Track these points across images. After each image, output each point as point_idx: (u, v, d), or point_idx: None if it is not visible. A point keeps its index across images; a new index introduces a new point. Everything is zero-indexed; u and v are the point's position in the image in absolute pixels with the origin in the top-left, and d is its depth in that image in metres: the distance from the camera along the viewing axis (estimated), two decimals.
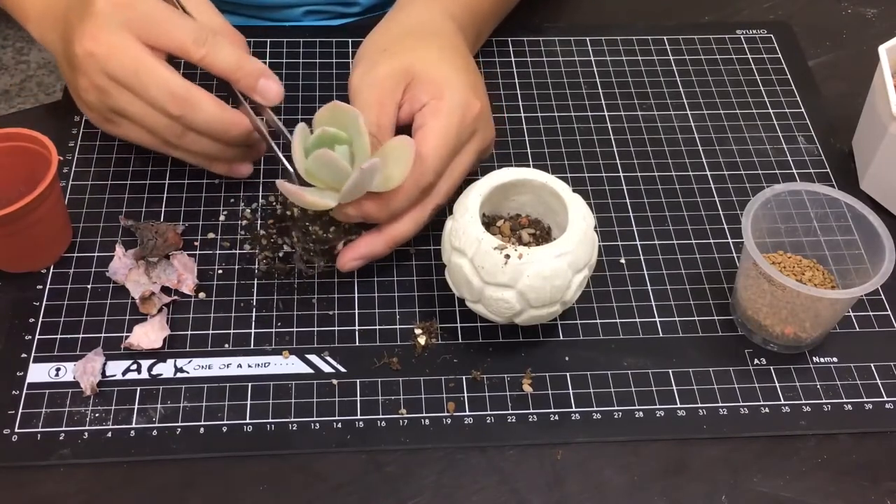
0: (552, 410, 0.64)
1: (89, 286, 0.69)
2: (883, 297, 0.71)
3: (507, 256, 0.62)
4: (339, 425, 0.63)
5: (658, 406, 0.65)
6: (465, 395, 0.65)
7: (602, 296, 0.71)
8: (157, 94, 0.66)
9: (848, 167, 0.80)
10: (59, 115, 0.80)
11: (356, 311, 0.69)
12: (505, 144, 0.80)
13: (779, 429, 0.64)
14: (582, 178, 0.78)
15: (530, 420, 0.64)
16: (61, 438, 0.62)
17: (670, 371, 0.67)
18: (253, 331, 0.67)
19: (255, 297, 0.69)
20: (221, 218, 0.74)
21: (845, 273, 0.68)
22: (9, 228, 0.66)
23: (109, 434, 0.62)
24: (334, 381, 0.65)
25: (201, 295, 0.69)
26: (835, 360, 0.68)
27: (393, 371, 0.66)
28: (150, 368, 0.65)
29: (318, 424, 0.63)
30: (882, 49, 0.75)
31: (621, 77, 0.87)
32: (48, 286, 0.69)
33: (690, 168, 0.80)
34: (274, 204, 0.70)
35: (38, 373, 0.64)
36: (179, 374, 0.65)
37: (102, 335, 0.67)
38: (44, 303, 0.68)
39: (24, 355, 0.65)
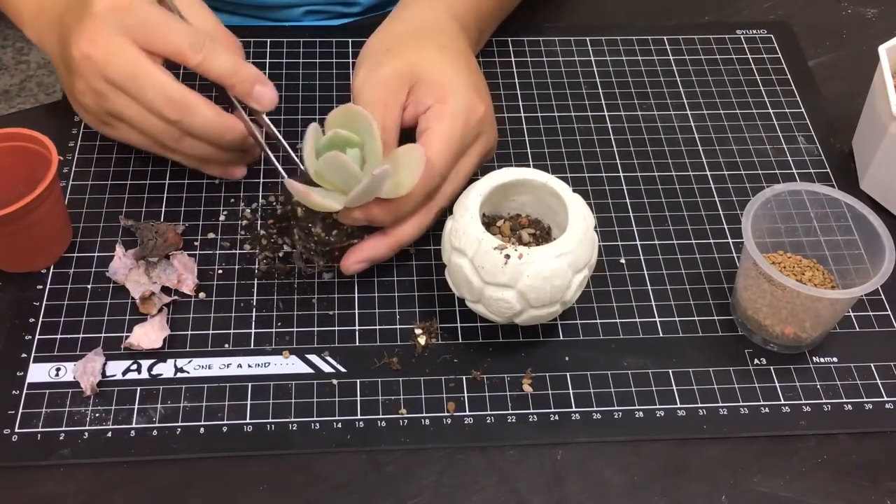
0: (552, 410, 0.64)
1: (89, 286, 0.69)
2: (883, 297, 0.71)
3: (507, 256, 0.62)
4: (339, 425, 0.63)
5: (658, 406, 0.65)
6: (465, 395, 0.65)
7: (602, 296, 0.71)
8: (153, 99, 0.66)
9: (848, 167, 0.80)
10: (59, 115, 0.80)
11: (356, 311, 0.69)
12: (505, 144, 0.80)
13: (779, 429, 0.64)
14: (582, 178, 0.78)
15: (530, 420, 0.64)
16: (61, 438, 0.62)
17: (670, 371, 0.67)
18: (253, 331, 0.67)
19: (255, 297, 0.69)
20: (221, 218, 0.74)
21: (845, 273, 0.68)
22: (9, 228, 0.66)
23: (109, 434, 0.62)
24: (334, 381, 0.65)
25: (201, 295, 0.69)
26: (835, 360, 0.68)
27: (393, 371, 0.66)
28: (150, 368, 0.65)
29: (318, 424, 0.63)
30: (882, 49, 0.75)
31: (621, 77, 0.87)
32: (48, 286, 0.69)
33: (690, 168, 0.80)
34: (274, 204, 0.70)
35: (38, 373, 0.64)
36: (179, 374, 0.65)
37: (102, 335, 0.67)
38: (44, 303, 0.68)
39: (24, 355, 0.65)
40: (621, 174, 0.79)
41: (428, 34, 0.74)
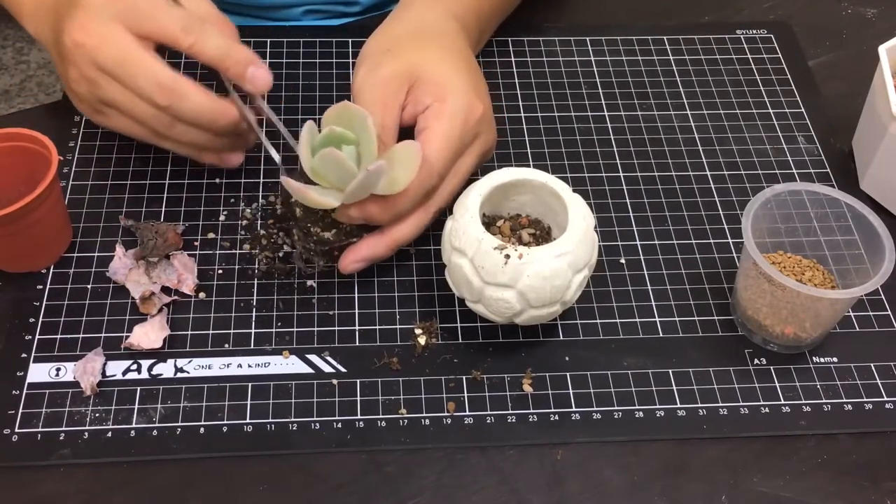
0: (552, 410, 0.64)
1: (89, 286, 0.69)
2: (883, 297, 0.71)
3: (507, 256, 0.62)
4: (339, 425, 0.63)
5: (658, 406, 0.65)
6: (465, 395, 0.65)
7: (602, 296, 0.71)
8: (144, 85, 0.66)
9: (848, 167, 0.80)
10: (59, 115, 0.80)
11: (356, 311, 0.69)
12: (505, 144, 0.80)
13: (779, 429, 0.64)
14: (582, 178, 0.78)
15: (530, 420, 0.64)
16: (61, 438, 0.62)
17: (670, 371, 0.67)
18: (253, 331, 0.67)
19: (255, 297, 0.69)
20: (221, 218, 0.74)
21: (845, 273, 0.68)
22: (9, 228, 0.66)
23: (109, 434, 0.62)
24: (334, 381, 0.65)
25: (201, 295, 0.69)
26: (835, 360, 0.68)
27: (393, 371, 0.66)
28: (150, 368, 0.65)
29: (318, 424, 0.63)
30: (882, 49, 0.75)
31: (621, 77, 0.87)
32: (48, 286, 0.69)
33: (690, 168, 0.80)
34: (274, 204, 0.70)
35: (39, 373, 0.64)
36: (179, 374, 0.65)
37: (102, 335, 0.67)
38: (44, 303, 0.68)
39: (24, 355, 0.65)
40: (621, 174, 0.79)
41: (428, 35, 0.74)
